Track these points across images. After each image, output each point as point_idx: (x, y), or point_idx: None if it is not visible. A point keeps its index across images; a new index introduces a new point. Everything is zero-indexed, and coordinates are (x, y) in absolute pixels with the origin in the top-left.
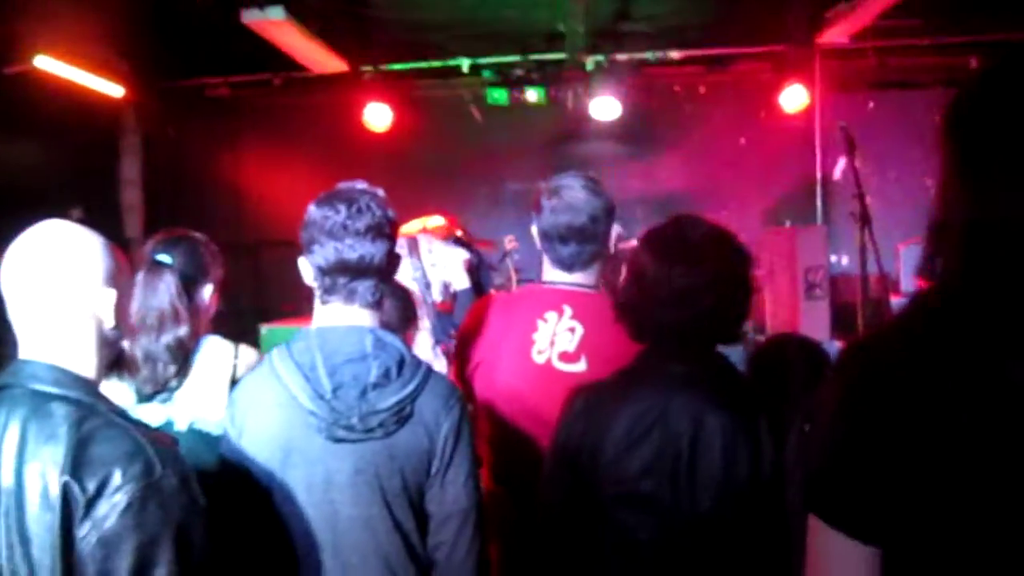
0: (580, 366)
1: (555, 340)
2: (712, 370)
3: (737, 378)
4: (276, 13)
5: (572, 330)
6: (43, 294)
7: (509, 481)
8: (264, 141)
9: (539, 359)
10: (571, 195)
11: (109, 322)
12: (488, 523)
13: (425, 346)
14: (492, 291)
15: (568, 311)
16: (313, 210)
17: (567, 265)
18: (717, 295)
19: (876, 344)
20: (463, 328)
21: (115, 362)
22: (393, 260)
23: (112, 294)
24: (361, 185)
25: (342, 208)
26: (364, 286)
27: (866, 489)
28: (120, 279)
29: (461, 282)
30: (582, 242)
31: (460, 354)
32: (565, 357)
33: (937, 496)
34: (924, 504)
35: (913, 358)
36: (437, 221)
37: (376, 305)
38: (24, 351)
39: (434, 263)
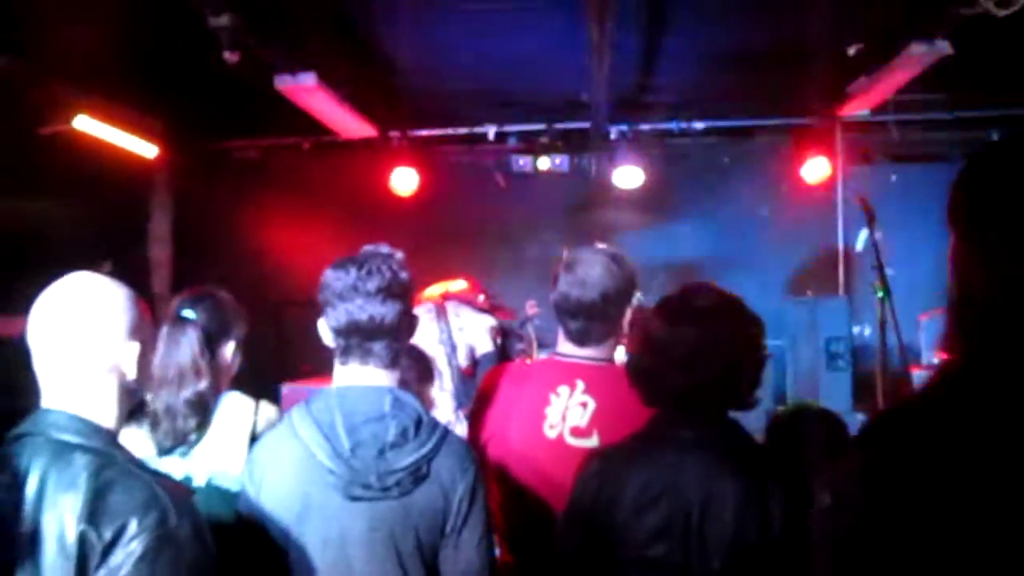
0: (592, 441)
1: (567, 415)
2: (722, 435)
3: (748, 442)
4: (307, 79)
5: (584, 404)
6: (68, 345)
7: (522, 548)
8: (291, 203)
9: (551, 434)
10: (585, 271)
11: (131, 374)
12: None
13: (447, 409)
14: (515, 357)
15: (580, 385)
16: (328, 273)
17: (577, 340)
18: (725, 359)
19: (900, 416)
20: (477, 396)
21: (132, 412)
22: (408, 321)
23: (135, 347)
24: (380, 248)
25: (352, 270)
26: (379, 346)
27: (891, 564)
28: (144, 332)
29: (485, 346)
30: (590, 319)
31: (473, 422)
32: (577, 432)
33: (963, 570)
34: None
35: (938, 431)
36: (459, 285)
37: (392, 365)
38: (46, 400)
39: (461, 327)
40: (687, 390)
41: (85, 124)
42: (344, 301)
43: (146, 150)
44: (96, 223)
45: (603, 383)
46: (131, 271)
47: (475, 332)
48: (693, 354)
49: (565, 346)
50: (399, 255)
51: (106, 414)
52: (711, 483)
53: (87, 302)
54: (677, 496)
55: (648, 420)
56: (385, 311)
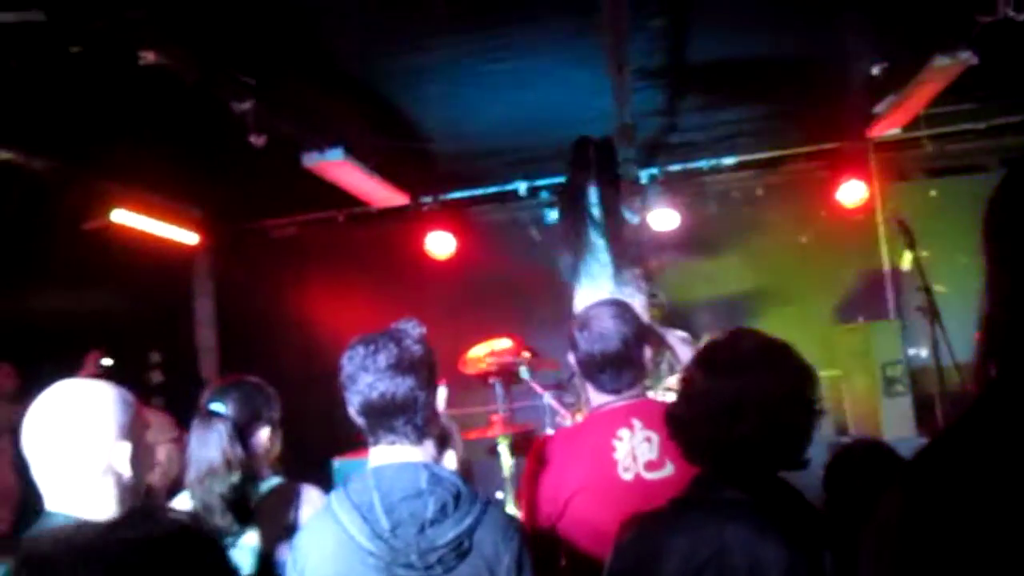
0: (667, 471)
1: (636, 454)
2: (771, 497)
3: (800, 506)
4: (335, 155)
5: (649, 439)
6: (60, 451)
7: None
8: (331, 275)
9: (627, 476)
10: (600, 325)
11: (126, 473)
12: None
13: None
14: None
15: (638, 424)
16: (342, 357)
17: (613, 389)
18: (768, 414)
19: (935, 453)
20: (529, 465)
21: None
22: (427, 394)
23: (127, 447)
24: (399, 324)
25: (360, 350)
26: (399, 422)
27: None
28: (136, 432)
29: None
30: (619, 367)
31: (529, 500)
32: (651, 466)
33: None
34: None
35: (972, 468)
36: (504, 344)
37: (418, 440)
38: (49, 503)
39: None
40: (727, 447)
41: (123, 217)
42: (356, 382)
43: (186, 237)
44: (143, 313)
45: (657, 415)
46: (180, 357)
47: None
48: (733, 408)
49: (603, 398)
50: (417, 330)
51: (105, 513)
52: (759, 552)
53: (74, 409)
54: (722, 566)
55: (689, 482)
56: (394, 387)
